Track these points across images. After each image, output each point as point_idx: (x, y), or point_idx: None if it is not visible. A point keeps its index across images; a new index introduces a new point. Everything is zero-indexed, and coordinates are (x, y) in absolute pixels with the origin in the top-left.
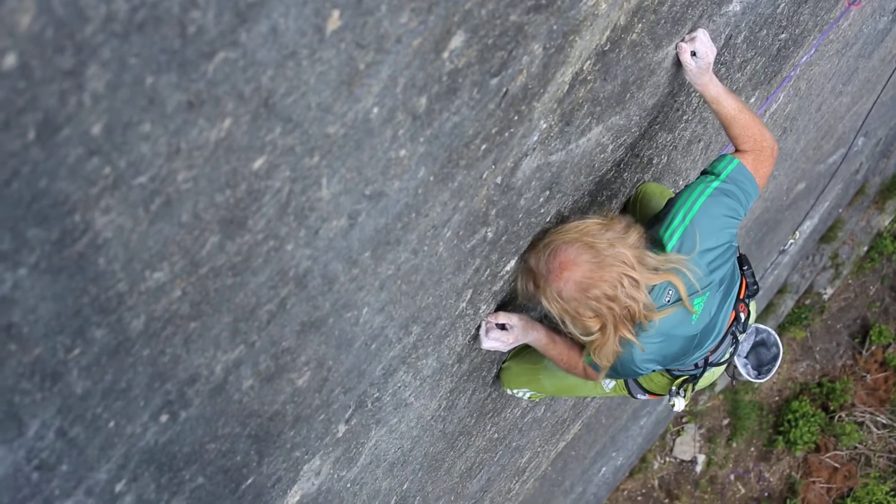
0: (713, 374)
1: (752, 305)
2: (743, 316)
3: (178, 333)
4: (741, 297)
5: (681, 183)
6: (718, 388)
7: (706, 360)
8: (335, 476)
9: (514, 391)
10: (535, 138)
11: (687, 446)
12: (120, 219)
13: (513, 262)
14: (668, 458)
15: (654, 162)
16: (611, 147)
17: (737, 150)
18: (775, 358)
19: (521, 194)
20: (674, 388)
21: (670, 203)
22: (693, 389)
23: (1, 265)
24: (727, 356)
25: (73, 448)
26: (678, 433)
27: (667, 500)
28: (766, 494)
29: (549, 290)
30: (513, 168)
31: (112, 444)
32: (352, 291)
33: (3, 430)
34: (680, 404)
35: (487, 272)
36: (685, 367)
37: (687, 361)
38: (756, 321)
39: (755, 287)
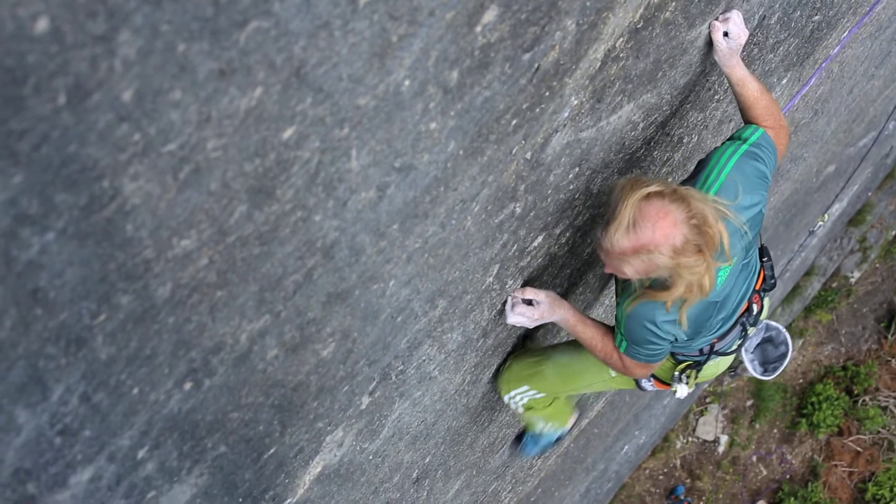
0: (717, 366)
1: (766, 301)
2: (756, 308)
3: (203, 302)
4: (757, 287)
5: None
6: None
7: (712, 346)
8: (357, 448)
9: (513, 393)
10: (566, 114)
11: (710, 426)
12: (148, 186)
13: (540, 238)
14: (690, 438)
15: (685, 141)
16: (641, 125)
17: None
18: (783, 356)
19: (550, 170)
20: (676, 372)
21: (700, 165)
22: (696, 377)
23: (29, 229)
24: (734, 347)
25: (96, 414)
26: (701, 413)
27: (688, 480)
28: (787, 477)
29: (659, 251)
30: (543, 144)
31: (135, 410)
32: (379, 264)
33: (28, 393)
34: (682, 391)
35: (515, 247)
36: (690, 351)
37: (692, 345)
38: (782, 303)
39: (773, 280)
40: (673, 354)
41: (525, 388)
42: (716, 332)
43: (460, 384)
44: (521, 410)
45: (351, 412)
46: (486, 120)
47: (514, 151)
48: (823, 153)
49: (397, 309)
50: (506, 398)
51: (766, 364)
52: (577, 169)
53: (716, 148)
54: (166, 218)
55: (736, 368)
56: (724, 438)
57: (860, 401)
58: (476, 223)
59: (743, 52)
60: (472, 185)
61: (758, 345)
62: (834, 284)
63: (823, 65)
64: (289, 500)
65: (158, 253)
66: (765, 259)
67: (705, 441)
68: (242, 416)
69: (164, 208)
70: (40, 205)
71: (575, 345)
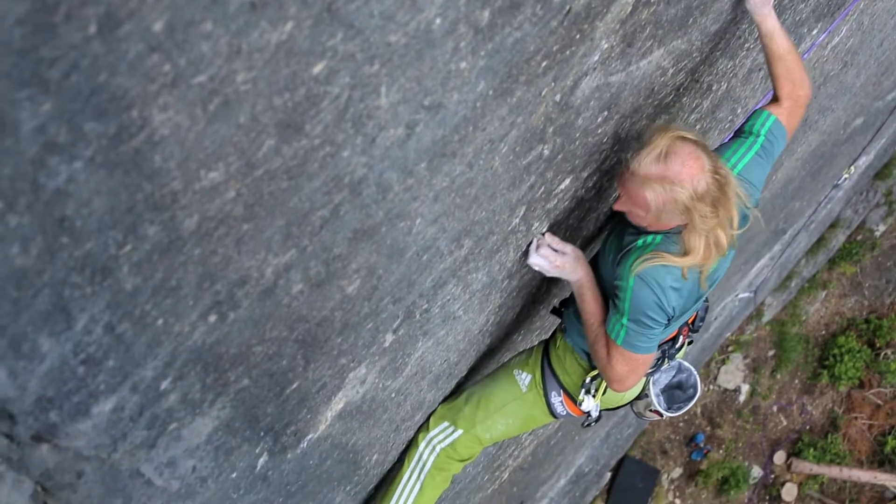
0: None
1: (684, 350)
2: (681, 339)
3: (230, 234)
4: (692, 320)
5: (739, 111)
6: (766, 318)
7: None
8: (380, 385)
9: (431, 435)
10: (596, 58)
11: (731, 375)
12: (177, 117)
13: (567, 181)
14: (711, 386)
15: (714, 88)
16: (671, 71)
17: (773, 99)
18: (689, 399)
19: (579, 113)
20: (588, 378)
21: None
22: (605, 392)
23: (57, 157)
24: (648, 370)
25: (120, 344)
26: (723, 362)
27: (708, 428)
28: (807, 427)
29: (682, 187)
30: (572, 87)
31: (159, 341)
32: (406, 201)
33: (52, 322)
34: (588, 403)
35: (542, 189)
36: None
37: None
38: (807, 254)
39: (702, 321)
40: (589, 358)
41: (444, 424)
42: (680, 323)
43: (484, 324)
44: (429, 466)
45: (374, 349)
46: (516, 61)
47: (543, 93)
48: (852, 106)
49: (423, 247)
50: (421, 447)
51: (671, 403)
52: (605, 113)
53: (728, 142)
54: (194, 150)
55: (640, 406)
56: (745, 388)
57: (882, 354)
58: (504, 164)
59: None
60: (500, 125)
61: (665, 389)
62: (859, 237)
63: (844, 14)
64: (310, 436)
65: (186, 185)
66: (706, 300)
67: (726, 390)
68: (266, 350)
69: (193, 140)
70: (69, 133)
71: (491, 376)
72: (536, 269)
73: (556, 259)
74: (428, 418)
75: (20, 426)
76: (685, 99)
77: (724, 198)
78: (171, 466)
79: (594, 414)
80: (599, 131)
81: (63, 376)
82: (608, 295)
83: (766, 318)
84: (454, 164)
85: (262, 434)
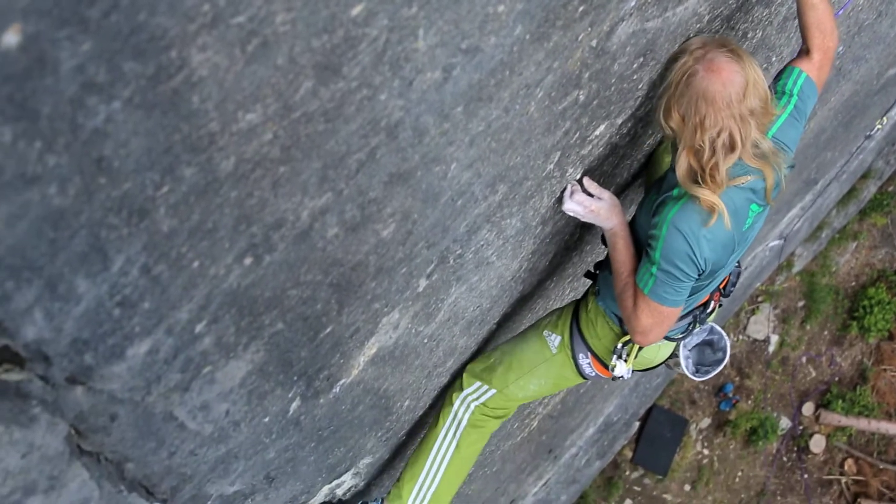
0: (658, 351)
1: (715, 314)
2: (713, 304)
3: (266, 177)
4: (722, 286)
5: (773, 60)
6: (796, 268)
7: None
8: (413, 330)
9: (465, 394)
10: (633, 3)
11: (761, 325)
12: (216, 57)
13: (602, 127)
14: (741, 336)
15: (749, 36)
16: (707, 18)
17: (803, 51)
18: (718, 362)
19: (615, 59)
20: (619, 344)
21: None
22: (636, 356)
23: (96, 97)
24: (679, 335)
25: (156, 286)
26: (753, 312)
27: (737, 378)
28: (836, 379)
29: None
30: (608, 32)
31: (195, 284)
32: (441, 146)
33: (88, 263)
34: (621, 368)
35: (577, 135)
36: None
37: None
38: (837, 205)
39: (734, 287)
40: (621, 323)
41: (477, 384)
42: (716, 283)
43: (517, 271)
44: (464, 423)
45: (408, 294)
46: (553, 5)
47: (579, 38)
48: (885, 56)
49: (458, 192)
50: (456, 404)
51: (700, 366)
52: (641, 59)
53: None
54: (232, 91)
55: (669, 364)
56: (774, 338)
57: None
58: (539, 109)
59: None
60: (537, 70)
61: (697, 345)
62: (890, 188)
63: None
64: (343, 381)
65: (223, 126)
66: (738, 266)
67: (756, 340)
68: (301, 294)
69: (231, 81)
70: (108, 73)
71: (522, 336)
72: (571, 214)
73: (592, 204)
74: (461, 378)
75: (55, 368)
76: None
77: (767, 110)
78: (205, 410)
79: (626, 377)
80: (635, 77)
81: (98, 318)
82: (642, 247)
83: (797, 268)
84: (490, 109)
85: (295, 378)
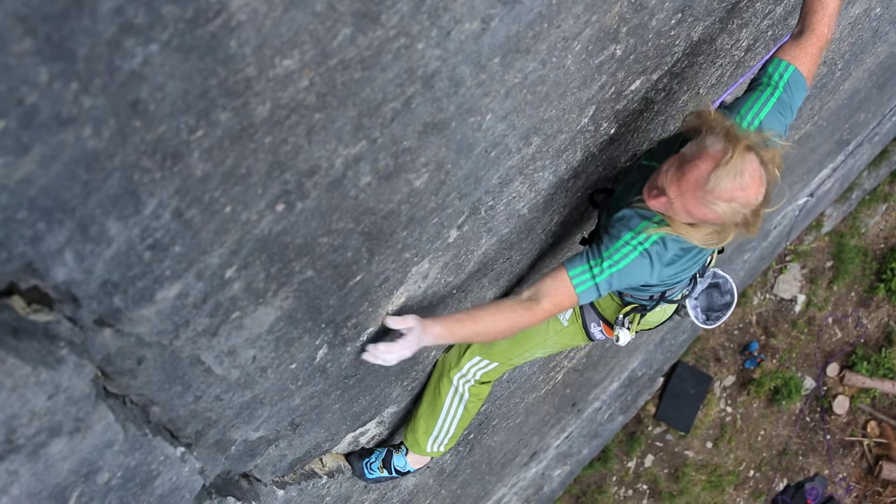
0: (663, 313)
1: (715, 259)
2: (707, 259)
3: (301, 123)
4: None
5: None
6: (825, 229)
7: (662, 294)
8: (442, 281)
9: (466, 368)
10: None
11: (788, 285)
12: (255, 2)
13: (638, 83)
14: (768, 295)
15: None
16: None
17: (799, 35)
18: (727, 305)
19: (653, 14)
20: (620, 315)
21: (737, 103)
22: (639, 322)
23: (133, 40)
24: (679, 296)
25: (187, 230)
26: (781, 271)
27: (763, 337)
28: (862, 341)
29: (748, 203)
30: None
31: (226, 229)
32: (477, 97)
33: (121, 206)
34: (624, 337)
35: (612, 90)
36: (643, 295)
37: (650, 290)
38: (869, 166)
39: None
40: (621, 296)
41: (477, 359)
42: (682, 279)
43: (548, 224)
44: (467, 394)
45: (438, 244)
46: None
47: None
48: None
49: (492, 143)
50: (455, 378)
51: (710, 311)
52: (679, 15)
53: (744, 96)
54: (270, 36)
55: (679, 312)
56: (801, 298)
57: None
58: (576, 62)
59: None
60: (575, 23)
61: (704, 289)
62: None
63: None
64: (370, 329)
65: (260, 71)
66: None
67: (782, 299)
68: (331, 242)
69: (269, 26)
70: (146, 15)
71: None
72: (393, 363)
73: (404, 343)
74: (456, 354)
75: (84, 310)
76: (759, 4)
77: (767, 201)
78: (232, 355)
79: (628, 340)
80: (672, 33)
81: (129, 261)
82: (602, 228)
83: (826, 228)
84: (527, 61)
85: (322, 326)
